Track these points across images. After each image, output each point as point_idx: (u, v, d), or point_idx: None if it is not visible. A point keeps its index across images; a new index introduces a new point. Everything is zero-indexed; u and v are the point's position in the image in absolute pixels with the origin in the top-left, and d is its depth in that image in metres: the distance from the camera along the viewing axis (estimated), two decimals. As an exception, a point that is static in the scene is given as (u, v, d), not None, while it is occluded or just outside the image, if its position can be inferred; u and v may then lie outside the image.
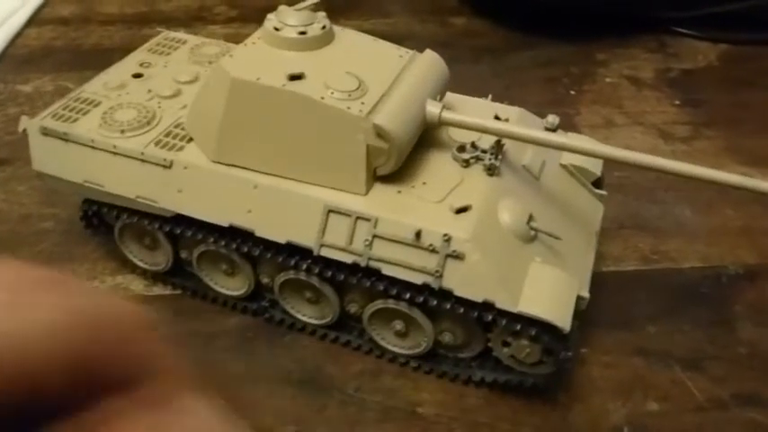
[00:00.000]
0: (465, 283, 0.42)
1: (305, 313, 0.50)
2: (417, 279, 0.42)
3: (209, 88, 0.47)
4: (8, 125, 0.68)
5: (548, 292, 0.42)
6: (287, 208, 0.44)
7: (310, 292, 0.48)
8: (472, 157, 0.46)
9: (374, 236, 0.42)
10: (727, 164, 0.68)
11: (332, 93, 0.43)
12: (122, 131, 0.48)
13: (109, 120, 0.49)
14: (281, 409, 0.46)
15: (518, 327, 0.42)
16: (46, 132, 0.49)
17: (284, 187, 0.44)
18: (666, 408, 0.47)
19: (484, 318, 0.43)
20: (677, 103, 0.77)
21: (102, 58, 0.75)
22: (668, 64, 0.84)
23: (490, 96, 0.53)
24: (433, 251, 0.41)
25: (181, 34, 0.60)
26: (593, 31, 0.88)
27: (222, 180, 0.45)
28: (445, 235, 0.41)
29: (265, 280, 0.50)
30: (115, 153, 0.47)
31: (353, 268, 0.44)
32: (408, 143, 0.44)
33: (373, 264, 0.43)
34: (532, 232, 0.44)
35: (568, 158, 0.51)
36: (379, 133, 0.42)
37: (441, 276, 0.42)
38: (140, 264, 0.54)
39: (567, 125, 0.72)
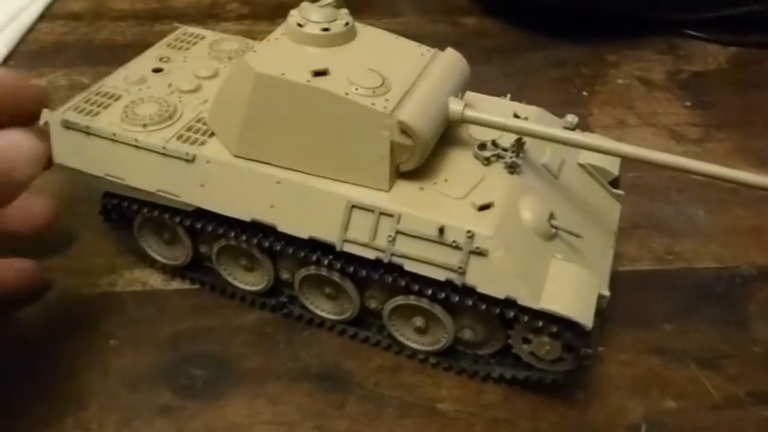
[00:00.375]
0: (488, 279, 0.42)
1: (324, 309, 0.50)
2: (440, 275, 0.43)
3: (233, 83, 0.47)
4: (23, 119, 0.68)
5: (569, 289, 0.42)
6: (310, 203, 0.44)
7: (330, 288, 0.49)
8: (493, 155, 0.46)
9: (397, 232, 0.43)
10: (738, 165, 0.68)
11: (356, 89, 0.43)
12: (144, 125, 0.48)
13: (131, 114, 0.49)
14: (301, 405, 0.46)
15: (540, 324, 0.42)
16: (67, 125, 0.49)
17: (307, 183, 0.44)
18: (683, 405, 0.47)
19: (506, 314, 0.43)
20: (688, 104, 0.78)
21: (114, 54, 0.76)
22: (678, 66, 0.84)
23: (509, 96, 0.53)
24: (457, 248, 0.42)
25: (199, 30, 0.60)
26: (604, 32, 0.88)
27: (245, 175, 0.45)
28: (468, 231, 0.41)
29: (285, 275, 0.50)
30: (137, 147, 0.47)
31: (375, 264, 0.44)
32: (432, 140, 0.44)
33: (396, 260, 0.43)
34: (553, 230, 0.44)
35: (586, 158, 0.52)
36: (404, 130, 0.42)
37: (464, 273, 0.42)
38: (159, 258, 0.54)
39: (581, 126, 0.72)
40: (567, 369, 0.45)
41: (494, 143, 0.47)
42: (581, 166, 0.52)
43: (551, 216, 0.44)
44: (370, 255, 0.44)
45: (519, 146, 0.46)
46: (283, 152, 0.45)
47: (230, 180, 0.46)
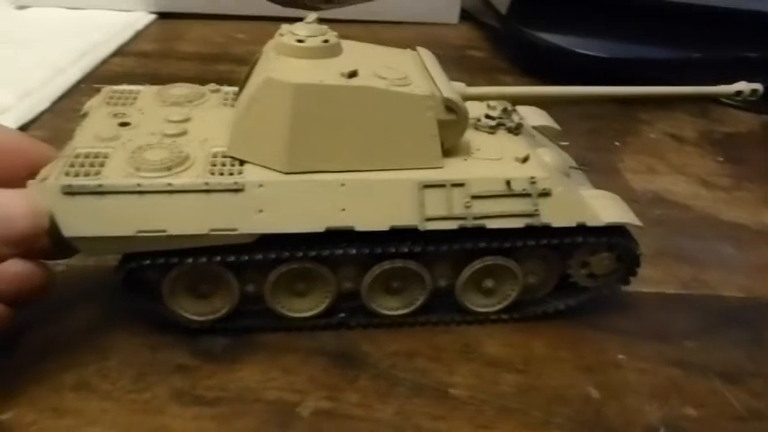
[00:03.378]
0: (558, 214, 0.47)
1: (391, 307, 0.50)
2: (519, 223, 0.47)
3: (261, 105, 0.45)
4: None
5: (610, 205, 0.49)
6: (380, 196, 0.45)
7: (397, 282, 0.49)
8: (497, 124, 0.53)
9: (472, 197, 0.46)
10: (766, 212, 0.69)
11: (391, 82, 0.46)
12: (169, 168, 0.44)
13: (143, 162, 0.44)
14: (314, 377, 0.46)
15: (604, 239, 0.49)
16: (71, 191, 0.42)
17: (371, 177, 0.45)
18: (704, 414, 0.46)
19: (575, 241, 0.48)
20: (720, 159, 0.79)
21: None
22: (711, 127, 0.87)
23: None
24: (526, 195, 0.47)
25: (123, 86, 0.57)
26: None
27: (306, 188, 0.45)
28: (532, 177, 0.47)
29: (347, 285, 0.49)
30: (171, 192, 0.43)
31: (454, 235, 0.47)
32: (468, 113, 0.48)
33: (477, 222, 0.46)
34: (569, 168, 0.51)
35: (534, 121, 0.60)
36: (449, 106, 0.47)
37: (539, 214, 0.47)
38: (195, 318, 0.48)
39: (611, 169, 0.75)
40: (621, 277, 0.52)
41: (487, 116, 0.53)
42: (535, 128, 0.59)
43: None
44: (452, 225, 0.46)
45: (509, 112, 0.53)
46: (336, 156, 0.45)
47: (291, 197, 0.45)
